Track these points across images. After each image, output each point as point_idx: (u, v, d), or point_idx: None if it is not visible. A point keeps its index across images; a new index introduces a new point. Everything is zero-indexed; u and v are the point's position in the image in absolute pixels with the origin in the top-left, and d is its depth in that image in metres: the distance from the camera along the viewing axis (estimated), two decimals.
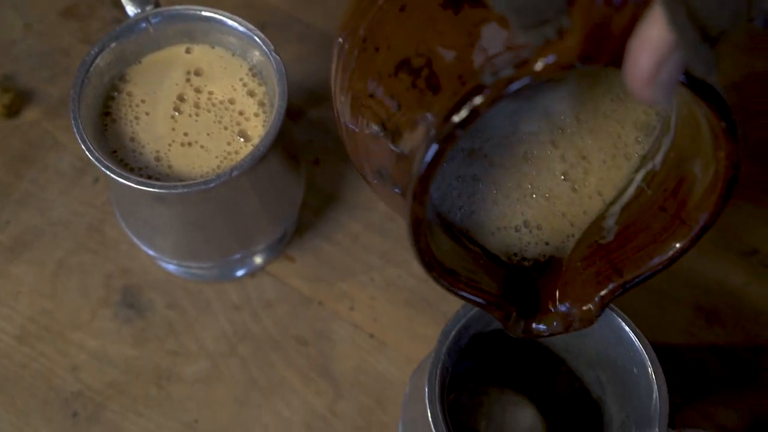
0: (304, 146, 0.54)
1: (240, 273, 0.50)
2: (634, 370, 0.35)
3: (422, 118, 0.29)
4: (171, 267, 0.50)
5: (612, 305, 0.35)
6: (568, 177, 0.35)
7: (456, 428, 0.33)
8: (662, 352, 0.50)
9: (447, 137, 0.26)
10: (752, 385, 0.48)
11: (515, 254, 0.36)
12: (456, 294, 0.32)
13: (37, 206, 0.52)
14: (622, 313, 0.35)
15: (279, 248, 0.50)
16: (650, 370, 0.34)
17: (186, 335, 0.49)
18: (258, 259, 0.50)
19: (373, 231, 0.52)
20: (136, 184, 0.37)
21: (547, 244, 0.36)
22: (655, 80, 0.23)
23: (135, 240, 0.45)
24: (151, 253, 0.45)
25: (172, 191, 0.37)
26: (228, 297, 0.50)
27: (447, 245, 0.34)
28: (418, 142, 0.28)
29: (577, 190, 0.35)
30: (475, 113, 0.25)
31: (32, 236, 0.51)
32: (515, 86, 0.25)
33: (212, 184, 0.37)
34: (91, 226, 0.51)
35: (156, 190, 0.37)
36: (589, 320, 0.33)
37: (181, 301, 0.49)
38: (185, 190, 0.37)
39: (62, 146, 0.54)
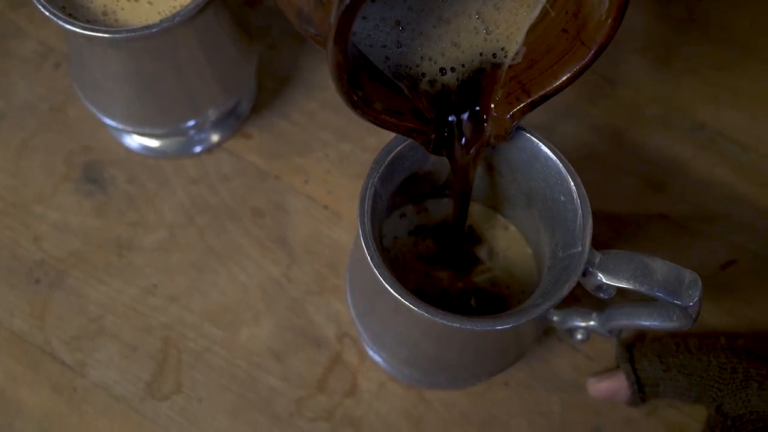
0: (262, 31, 0.55)
1: (198, 149, 0.51)
2: (561, 198, 0.36)
3: None
4: (132, 145, 0.51)
5: (542, 138, 0.36)
6: (481, 16, 0.36)
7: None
8: (610, 220, 0.51)
9: None
10: (697, 252, 0.50)
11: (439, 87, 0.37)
12: (380, 125, 0.33)
13: (0, 91, 0.53)
14: (548, 142, 0.36)
15: (235, 126, 0.52)
16: (575, 195, 0.35)
17: (145, 208, 0.50)
18: (215, 137, 0.51)
19: (329, 109, 0.53)
20: (80, 29, 0.38)
21: (465, 74, 0.37)
22: None
23: (90, 107, 0.46)
24: (107, 121, 0.46)
25: (116, 35, 0.38)
26: (186, 172, 0.51)
27: (371, 84, 0.35)
28: None
29: (492, 32, 0.36)
30: None
31: None
32: None
33: (155, 29, 0.38)
34: (54, 108, 0.53)
35: (100, 35, 0.38)
36: (502, 136, 0.35)
37: (141, 176, 0.51)
38: (129, 34, 0.38)
39: (25, 34, 0.55)
